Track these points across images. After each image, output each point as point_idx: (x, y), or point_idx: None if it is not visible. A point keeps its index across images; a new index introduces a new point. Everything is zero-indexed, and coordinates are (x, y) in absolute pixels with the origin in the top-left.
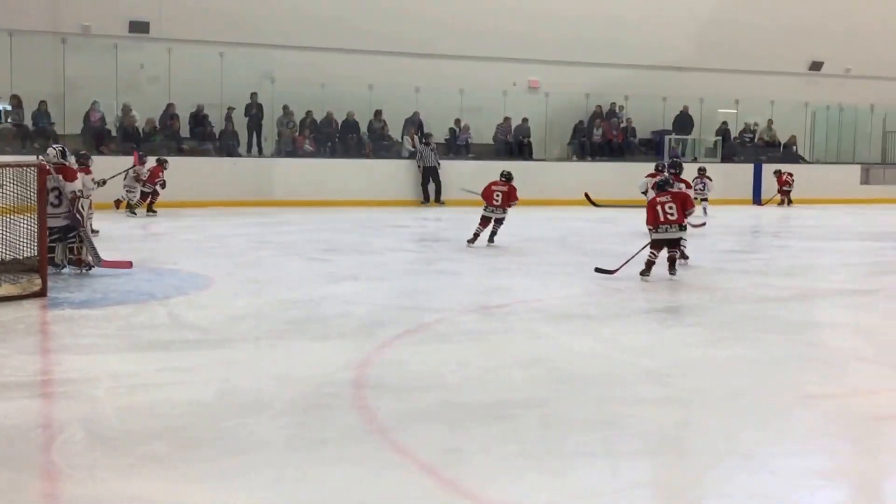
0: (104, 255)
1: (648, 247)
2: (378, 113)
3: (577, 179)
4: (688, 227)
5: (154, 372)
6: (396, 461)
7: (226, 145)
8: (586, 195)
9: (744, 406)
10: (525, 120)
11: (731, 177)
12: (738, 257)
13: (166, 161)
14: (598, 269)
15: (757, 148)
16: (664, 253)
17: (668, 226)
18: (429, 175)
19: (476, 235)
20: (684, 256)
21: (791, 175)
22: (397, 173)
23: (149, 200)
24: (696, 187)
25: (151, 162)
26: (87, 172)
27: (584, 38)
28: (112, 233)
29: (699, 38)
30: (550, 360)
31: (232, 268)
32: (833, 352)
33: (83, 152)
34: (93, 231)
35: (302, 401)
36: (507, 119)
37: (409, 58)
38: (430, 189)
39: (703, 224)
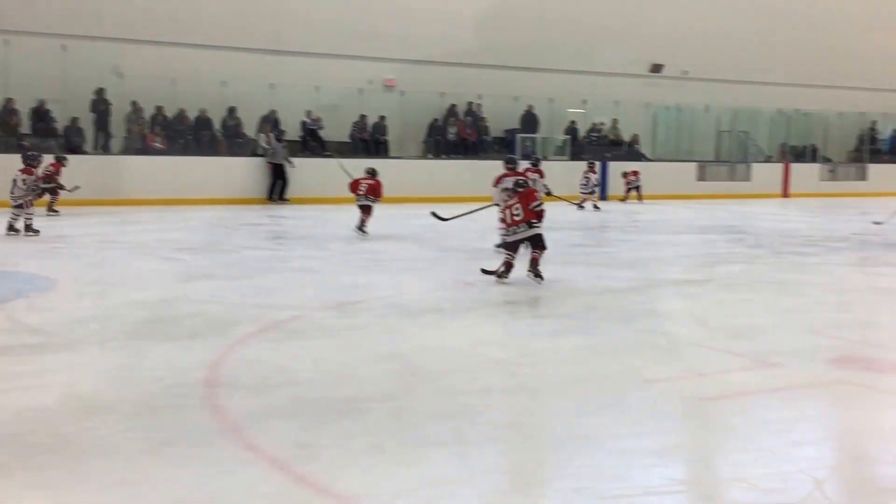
0: None
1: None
2: (232, 110)
3: (432, 177)
4: (535, 223)
5: None
6: (248, 458)
7: (70, 142)
8: (433, 214)
9: (586, 392)
10: (382, 118)
11: (579, 174)
12: (585, 251)
13: (65, 158)
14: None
15: (603, 146)
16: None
17: (516, 227)
18: (276, 172)
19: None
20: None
21: (636, 173)
22: (252, 171)
23: (50, 199)
24: (581, 182)
25: (50, 158)
26: (30, 173)
27: (439, 37)
28: None
29: (548, 40)
30: (404, 354)
31: (77, 269)
32: (668, 338)
33: (31, 153)
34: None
35: (150, 402)
36: (363, 117)
37: (264, 54)
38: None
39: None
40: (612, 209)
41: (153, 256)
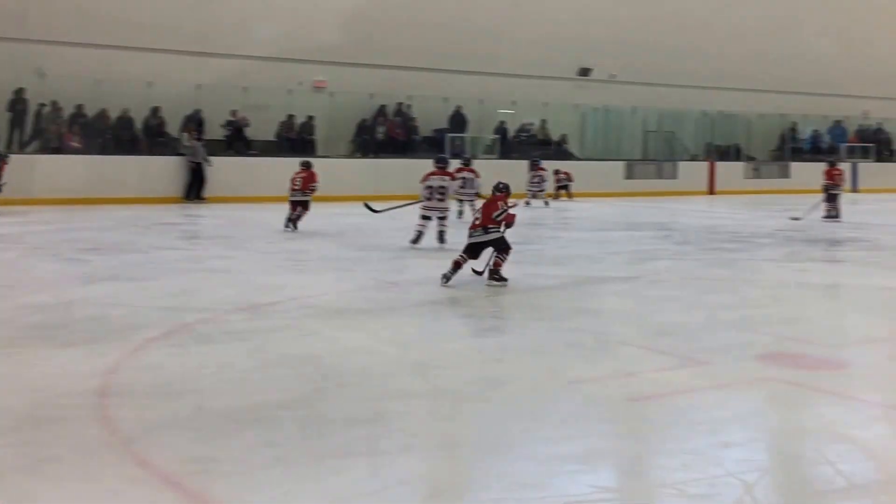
0: None
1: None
2: (156, 110)
3: (361, 176)
4: (502, 227)
5: None
6: (137, 476)
7: None
8: (366, 205)
9: (508, 395)
10: (310, 118)
11: (509, 173)
12: (514, 248)
13: (7, 155)
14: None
15: (532, 146)
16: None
17: (474, 230)
18: (194, 171)
19: (290, 220)
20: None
21: (567, 174)
22: (171, 170)
23: None
24: (533, 181)
25: None
26: None
27: (369, 40)
28: None
29: (479, 44)
30: (318, 357)
31: None
32: (595, 337)
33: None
34: None
35: (33, 414)
36: (290, 117)
37: (191, 56)
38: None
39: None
40: (541, 206)
41: (56, 257)
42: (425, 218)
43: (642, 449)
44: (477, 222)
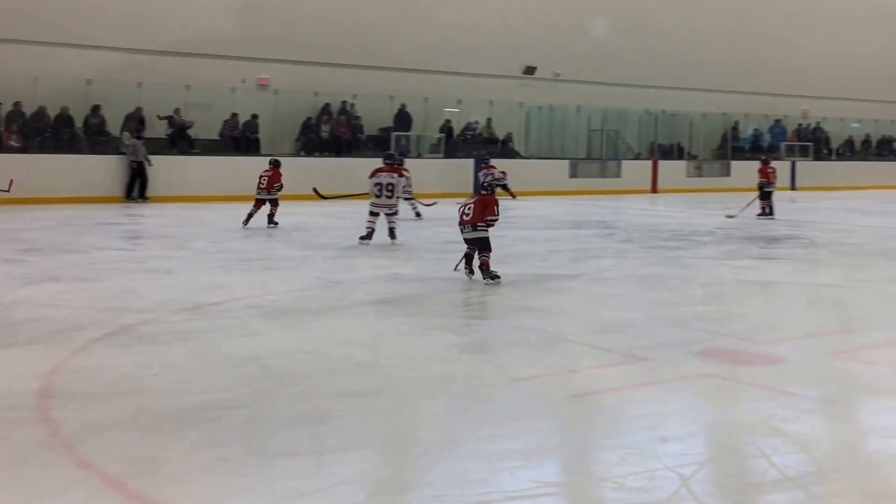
0: None
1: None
2: (96, 108)
3: (305, 174)
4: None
5: None
6: (79, 477)
7: None
8: (314, 190)
9: (451, 392)
10: (254, 116)
11: (453, 171)
12: (458, 247)
13: None
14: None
15: (477, 144)
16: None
17: (463, 226)
18: (135, 170)
19: (250, 216)
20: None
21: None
22: (112, 170)
23: None
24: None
25: None
26: None
27: (312, 37)
28: None
29: (424, 42)
30: (261, 357)
31: None
32: (538, 334)
33: None
34: None
35: None
36: (234, 115)
37: (132, 54)
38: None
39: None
40: None
41: None
42: (373, 214)
43: (583, 444)
44: (466, 219)
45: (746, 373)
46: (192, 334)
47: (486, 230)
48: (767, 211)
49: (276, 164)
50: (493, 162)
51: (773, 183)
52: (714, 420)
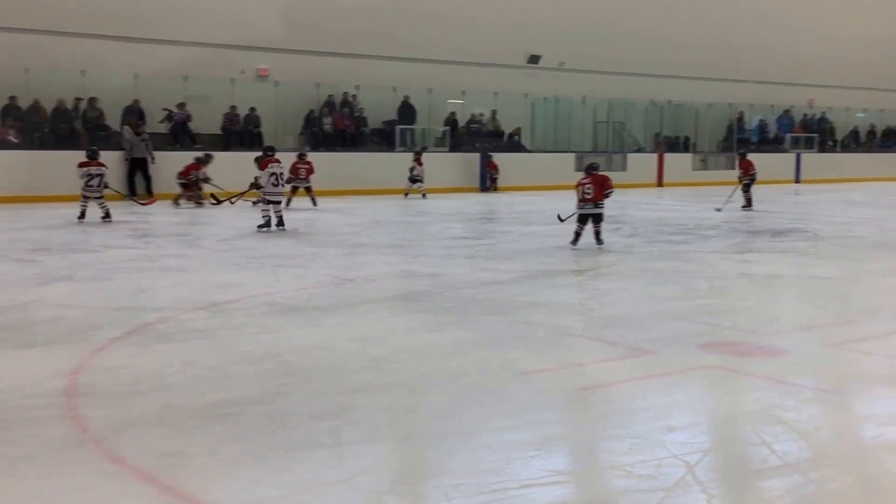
0: None
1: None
2: (93, 100)
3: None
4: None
5: None
6: (112, 471)
7: None
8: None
9: (464, 386)
10: (253, 109)
11: (460, 165)
12: (466, 243)
13: None
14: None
15: (483, 137)
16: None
17: (585, 203)
18: (136, 167)
19: (288, 201)
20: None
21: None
22: (116, 166)
23: None
24: (414, 173)
25: None
26: None
27: (315, 25)
28: None
29: (426, 30)
30: (279, 354)
31: None
32: (546, 329)
33: None
34: None
35: (2, 415)
36: (233, 108)
37: (127, 42)
38: (138, 181)
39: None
40: (492, 200)
41: (5, 258)
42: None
43: (592, 434)
44: (588, 196)
45: (749, 364)
46: (209, 332)
47: (604, 205)
48: (746, 203)
49: (303, 156)
50: (499, 157)
51: (751, 175)
52: (718, 410)
